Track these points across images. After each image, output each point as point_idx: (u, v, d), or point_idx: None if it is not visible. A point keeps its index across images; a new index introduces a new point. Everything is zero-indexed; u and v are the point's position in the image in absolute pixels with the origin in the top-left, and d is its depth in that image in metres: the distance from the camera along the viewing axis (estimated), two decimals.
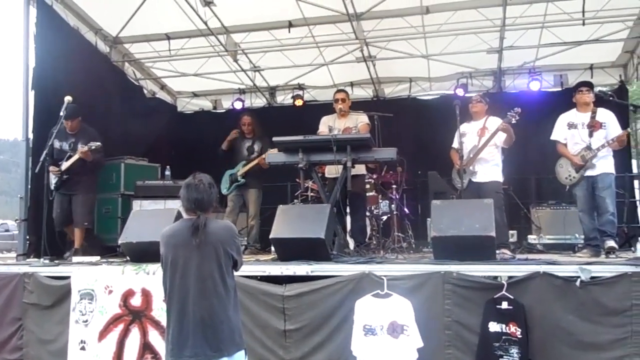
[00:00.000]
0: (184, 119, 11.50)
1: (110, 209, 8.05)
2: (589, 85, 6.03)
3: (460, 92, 9.35)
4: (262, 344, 4.80)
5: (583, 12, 7.71)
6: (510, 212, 7.26)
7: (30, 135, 6.93)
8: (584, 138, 5.84)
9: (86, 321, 5.15)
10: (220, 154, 7.52)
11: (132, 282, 5.09)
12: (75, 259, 6.23)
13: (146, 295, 5.02)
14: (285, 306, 4.79)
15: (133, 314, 5.04)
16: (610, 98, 6.11)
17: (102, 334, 5.08)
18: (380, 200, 7.92)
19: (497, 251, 5.27)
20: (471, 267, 4.62)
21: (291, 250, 5.24)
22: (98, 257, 6.26)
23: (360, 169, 6.62)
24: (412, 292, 4.54)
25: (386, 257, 5.87)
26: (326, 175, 6.91)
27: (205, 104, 11.68)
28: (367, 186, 7.61)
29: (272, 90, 11.19)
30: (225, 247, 3.27)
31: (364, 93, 10.74)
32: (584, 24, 7.91)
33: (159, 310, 4.88)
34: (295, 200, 8.21)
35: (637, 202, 8.70)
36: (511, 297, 4.32)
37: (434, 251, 5.14)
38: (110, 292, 5.13)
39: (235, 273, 3.42)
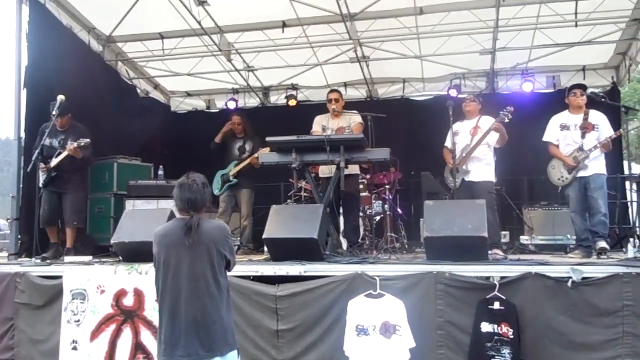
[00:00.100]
0: (177, 118, 11.48)
1: (102, 209, 8.02)
2: (583, 87, 6.05)
3: (453, 92, 9.36)
4: (254, 344, 4.80)
5: (575, 13, 7.74)
6: (503, 212, 7.29)
7: (22, 134, 6.88)
8: (576, 139, 5.87)
9: (78, 321, 5.13)
10: (214, 147, 7.49)
11: (125, 282, 5.08)
12: (67, 258, 6.19)
13: (138, 295, 5.01)
14: (277, 306, 4.79)
15: (125, 314, 5.02)
16: (602, 99, 6.16)
17: (94, 334, 5.07)
18: (374, 201, 7.93)
19: (490, 251, 5.28)
20: (463, 267, 4.64)
21: (284, 250, 5.24)
22: (90, 257, 6.24)
23: (353, 169, 6.63)
24: (404, 292, 4.55)
25: (379, 258, 5.88)
26: (319, 175, 6.92)
27: (199, 104, 11.65)
28: (361, 186, 7.62)
29: (266, 90, 11.18)
30: (218, 247, 3.26)
31: (358, 93, 10.74)
32: (576, 25, 7.94)
33: (151, 310, 4.87)
34: (289, 200, 8.20)
35: (629, 203, 8.74)
36: (503, 297, 4.34)
37: (427, 251, 5.15)
38: (103, 291, 5.12)
39: (228, 273, 3.42)
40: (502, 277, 4.51)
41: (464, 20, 8.22)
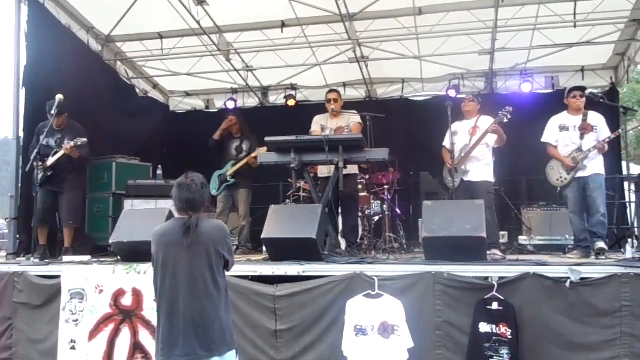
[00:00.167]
0: (176, 118, 11.48)
1: (101, 208, 8.02)
2: (582, 90, 6.05)
3: (452, 93, 9.37)
4: (253, 344, 4.80)
5: (574, 14, 7.76)
6: (502, 213, 7.30)
7: (21, 134, 6.89)
8: (575, 140, 5.89)
9: (76, 321, 5.13)
10: (212, 144, 7.46)
11: (123, 282, 5.07)
12: (65, 258, 6.18)
13: (137, 294, 5.00)
14: (276, 306, 4.79)
15: (124, 314, 5.02)
16: (601, 100, 6.15)
17: (93, 334, 5.06)
18: (372, 201, 7.93)
19: (488, 252, 5.29)
20: (462, 267, 4.64)
21: (283, 250, 5.24)
22: (89, 257, 6.23)
23: (352, 169, 6.62)
24: (403, 293, 4.55)
25: (378, 258, 5.88)
26: (318, 175, 6.91)
27: (198, 104, 11.66)
28: (360, 186, 7.62)
29: (265, 90, 11.18)
30: (216, 247, 3.26)
31: (357, 94, 10.74)
32: (575, 26, 7.95)
33: (150, 310, 4.87)
34: (287, 200, 8.20)
35: (627, 204, 8.74)
36: (501, 297, 4.35)
37: (425, 252, 5.15)
38: (101, 291, 5.12)
39: (227, 273, 3.42)
40: (500, 278, 4.51)
41: (463, 20, 8.23)
